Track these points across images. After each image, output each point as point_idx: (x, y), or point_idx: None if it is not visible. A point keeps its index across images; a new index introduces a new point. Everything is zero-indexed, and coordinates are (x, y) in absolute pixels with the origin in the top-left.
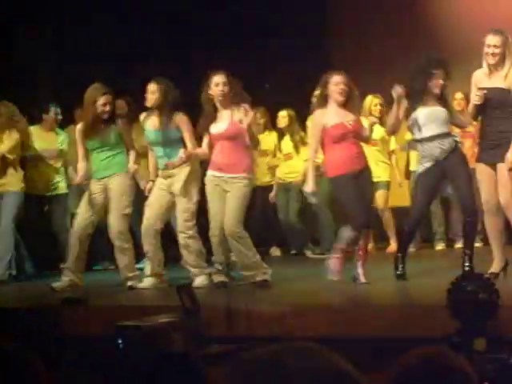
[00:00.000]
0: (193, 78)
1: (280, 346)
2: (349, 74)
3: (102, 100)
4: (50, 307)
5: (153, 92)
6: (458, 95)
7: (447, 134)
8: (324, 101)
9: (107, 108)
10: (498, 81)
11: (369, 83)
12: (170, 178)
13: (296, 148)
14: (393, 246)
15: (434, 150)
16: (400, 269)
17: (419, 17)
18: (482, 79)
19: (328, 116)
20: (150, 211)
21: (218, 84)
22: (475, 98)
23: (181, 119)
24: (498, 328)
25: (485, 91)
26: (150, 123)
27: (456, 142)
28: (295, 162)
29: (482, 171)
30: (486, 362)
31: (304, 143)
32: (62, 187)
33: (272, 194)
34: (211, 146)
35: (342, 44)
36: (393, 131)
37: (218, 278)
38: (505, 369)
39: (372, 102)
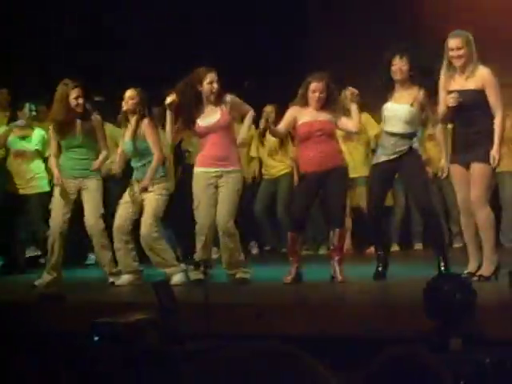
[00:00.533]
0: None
1: (245, 349)
2: (332, 69)
3: (73, 93)
4: (27, 303)
5: (131, 97)
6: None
7: (405, 135)
8: (304, 101)
9: (80, 101)
10: (464, 82)
11: (355, 79)
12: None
13: (281, 143)
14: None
15: (390, 145)
16: (378, 268)
17: (407, 14)
18: (450, 82)
19: (302, 113)
20: (123, 210)
21: (211, 82)
22: (450, 101)
23: (146, 125)
24: (474, 328)
25: (457, 94)
26: (126, 134)
27: (412, 145)
28: (280, 157)
29: (456, 173)
30: (462, 362)
31: (288, 139)
32: (40, 185)
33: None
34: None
35: (326, 40)
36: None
37: (195, 276)
38: (481, 369)
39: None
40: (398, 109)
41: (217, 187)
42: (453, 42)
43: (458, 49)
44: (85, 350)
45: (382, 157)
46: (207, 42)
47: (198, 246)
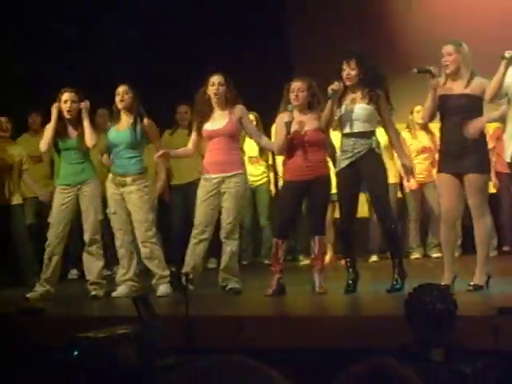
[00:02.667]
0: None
1: (213, 362)
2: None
3: (63, 97)
4: (6, 316)
5: (126, 92)
6: (418, 107)
7: (364, 134)
8: (287, 104)
9: (68, 105)
10: (457, 88)
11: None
12: (122, 188)
13: (261, 151)
14: (328, 256)
15: (349, 147)
16: (349, 281)
17: (377, 25)
18: (440, 88)
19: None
20: (119, 218)
21: (213, 84)
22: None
23: (150, 123)
24: (455, 338)
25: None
26: (115, 125)
27: (372, 143)
28: (260, 165)
29: (444, 181)
30: (443, 372)
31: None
32: (16, 198)
33: None
34: (196, 145)
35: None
36: (326, 128)
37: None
38: (462, 379)
39: None
40: (354, 109)
41: (219, 194)
42: (444, 48)
43: (449, 55)
44: (63, 364)
45: (343, 162)
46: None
47: (189, 255)
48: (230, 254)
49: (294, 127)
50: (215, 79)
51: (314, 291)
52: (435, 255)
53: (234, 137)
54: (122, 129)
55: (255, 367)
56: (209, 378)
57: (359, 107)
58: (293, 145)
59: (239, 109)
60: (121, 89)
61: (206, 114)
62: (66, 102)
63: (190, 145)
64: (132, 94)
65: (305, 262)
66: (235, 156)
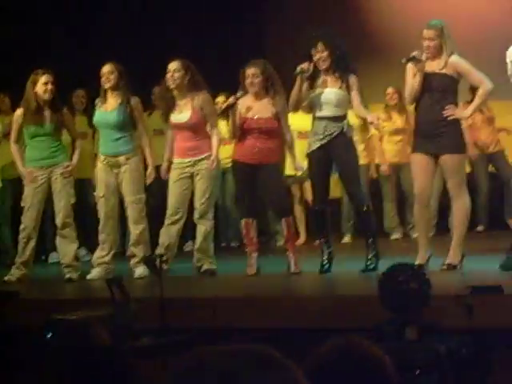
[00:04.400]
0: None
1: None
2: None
3: (42, 79)
4: None
5: (111, 72)
6: (390, 89)
7: (336, 118)
8: (244, 91)
9: (49, 87)
10: (434, 67)
11: None
12: (116, 169)
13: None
14: (302, 238)
15: (321, 130)
16: (323, 262)
17: (352, 8)
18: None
19: (243, 105)
20: (106, 201)
21: (169, 71)
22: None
23: (137, 102)
24: (429, 317)
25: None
26: (103, 106)
27: (343, 127)
28: (231, 146)
29: (418, 161)
30: (417, 351)
31: None
32: None
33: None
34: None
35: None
36: (296, 108)
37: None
38: (436, 357)
39: None
40: (326, 93)
41: (192, 176)
42: (426, 33)
43: (430, 40)
44: (38, 346)
45: (314, 143)
46: (164, 40)
47: (164, 237)
48: (204, 235)
49: (248, 113)
50: (170, 66)
51: (289, 272)
52: (415, 235)
53: (198, 127)
54: (109, 109)
55: (273, 356)
56: (232, 369)
57: (331, 91)
58: (245, 129)
59: (201, 98)
60: (105, 69)
61: (170, 102)
62: (46, 83)
63: (170, 131)
64: (118, 73)
65: (280, 242)
66: (204, 140)
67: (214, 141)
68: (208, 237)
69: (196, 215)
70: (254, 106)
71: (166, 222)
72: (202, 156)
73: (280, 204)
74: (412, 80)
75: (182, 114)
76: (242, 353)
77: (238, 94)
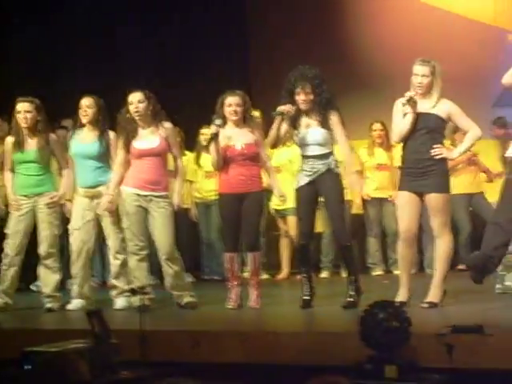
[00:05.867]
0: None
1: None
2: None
3: (17, 108)
4: None
5: (89, 106)
6: (377, 126)
7: (322, 156)
8: (224, 121)
9: (22, 115)
10: (425, 107)
11: None
12: (97, 200)
13: None
14: (284, 272)
15: (308, 167)
16: (304, 297)
17: (336, 41)
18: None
19: (224, 135)
20: (81, 234)
21: (132, 102)
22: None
23: (115, 137)
24: (409, 355)
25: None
26: (80, 138)
27: (331, 164)
28: (215, 180)
29: (404, 200)
30: None
31: None
32: None
33: (194, 213)
34: (124, 163)
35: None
36: (274, 147)
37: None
38: None
39: None
40: (311, 134)
41: (146, 210)
42: (420, 70)
43: (424, 77)
44: (16, 379)
45: (302, 179)
46: (140, 55)
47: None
48: (176, 275)
49: (230, 141)
50: (133, 97)
51: (248, 306)
52: (396, 272)
53: (163, 156)
54: (88, 141)
55: None
56: None
57: (314, 132)
58: (228, 158)
59: (166, 128)
60: (84, 102)
61: (131, 132)
62: (19, 112)
63: (118, 166)
64: (97, 108)
65: (264, 276)
66: (163, 176)
67: (179, 175)
68: (179, 275)
69: (163, 256)
70: (233, 134)
71: (134, 257)
72: (161, 194)
73: (251, 237)
74: (402, 120)
75: (149, 140)
76: None
77: (218, 122)
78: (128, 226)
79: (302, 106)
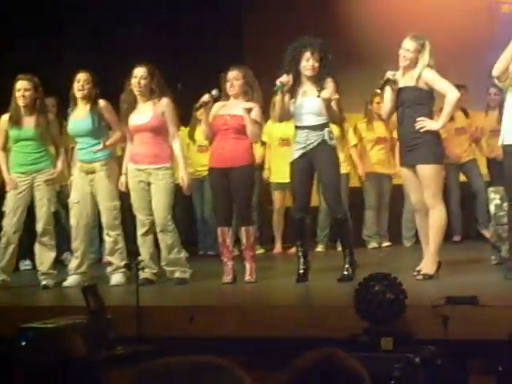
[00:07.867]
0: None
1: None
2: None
3: (16, 85)
4: None
5: (87, 81)
6: (378, 99)
7: (317, 127)
8: (225, 96)
9: (21, 93)
10: (408, 81)
11: None
12: (91, 175)
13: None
14: (277, 247)
15: (302, 139)
16: (299, 271)
17: (333, 16)
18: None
19: (220, 107)
20: (80, 207)
21: (135, 76)
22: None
23: (106, 105)
24: (404, 327)
25: (395, 73)
26: (74, 115)
27: (325, 135)
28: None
29: (405, 175)
30: (392, 361)
31: None
32: None
33: (186, 188)
34: (130, 138)
35: (259, 44)
36: (282, 121)
37: (143, 275)
38: (411, 368)
39: None
40: (307, 102)
41: (149, 184)
42: (406, 43)
43: (408, 51)
44: (12, 355)
45: (296, 152)
46: (140, 42)
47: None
48: (168, 248)
49: (221, 111)
50: (137, 72)
51: (244, 281)
52: (385, 244)
53: (159, 131)
54: (80, 117)
55: (222, 366)
56: (176, 379)
57: (312, 101)
58: (215, 128)
59: (163, 103)
60: (81, 76)
61: (131, 105)
62: (19, 90)
63: (128, 143)
64: (92, 83)
65: (260, 250)
66: (162, 149)
67: (176, 150)
68: (172, 249)
69: (158, 228)
70: (227, 105)
71: (141, 230)
72: (159, 166)
73: (241, 211)
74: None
75: (142, 116)
76: (189, 364)
77: (213, 92)
78: (132, 201)
79: (308, 73)
